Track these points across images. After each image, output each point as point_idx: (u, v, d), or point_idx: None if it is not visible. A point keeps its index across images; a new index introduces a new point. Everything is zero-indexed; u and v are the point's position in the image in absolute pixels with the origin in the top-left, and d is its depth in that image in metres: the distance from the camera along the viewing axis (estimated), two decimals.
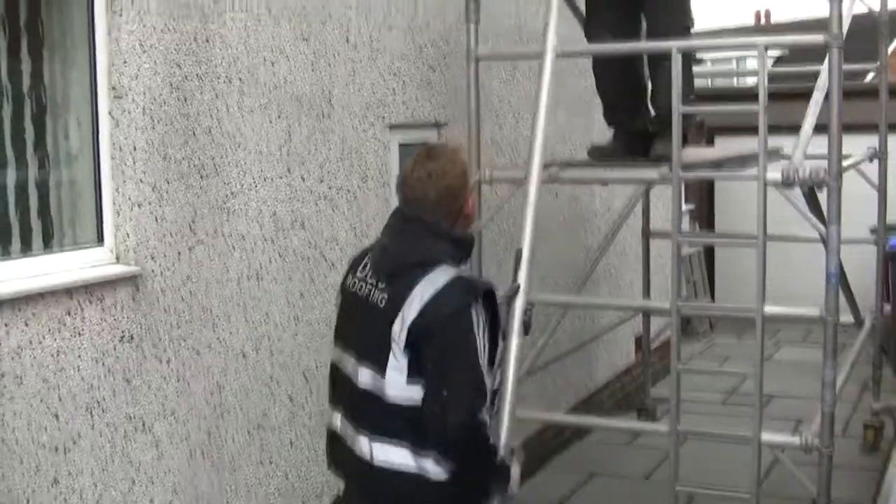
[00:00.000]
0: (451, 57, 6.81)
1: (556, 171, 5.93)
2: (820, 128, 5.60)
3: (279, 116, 5.29)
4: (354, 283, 3.76)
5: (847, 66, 5.72)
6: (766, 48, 5.44)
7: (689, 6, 6.26)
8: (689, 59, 6.06)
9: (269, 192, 5.22)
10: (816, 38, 5.42)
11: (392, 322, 3.49)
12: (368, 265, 3.73)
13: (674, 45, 5.49)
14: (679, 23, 6.12)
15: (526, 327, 4.41)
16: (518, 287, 4.51)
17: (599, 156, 6.51)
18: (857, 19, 6.99)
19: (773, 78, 9.14)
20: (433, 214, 3.64)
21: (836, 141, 5.39)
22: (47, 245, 4.30)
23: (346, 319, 3.83)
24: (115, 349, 4.32)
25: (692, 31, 6.25)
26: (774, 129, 5.49)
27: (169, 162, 4.60)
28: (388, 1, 6.18)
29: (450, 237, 3.66)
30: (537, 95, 5.41)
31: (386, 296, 3.57)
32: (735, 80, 19.96)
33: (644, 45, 6.25)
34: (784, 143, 6.64)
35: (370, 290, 3.64)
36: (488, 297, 3.57)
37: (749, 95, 5.38)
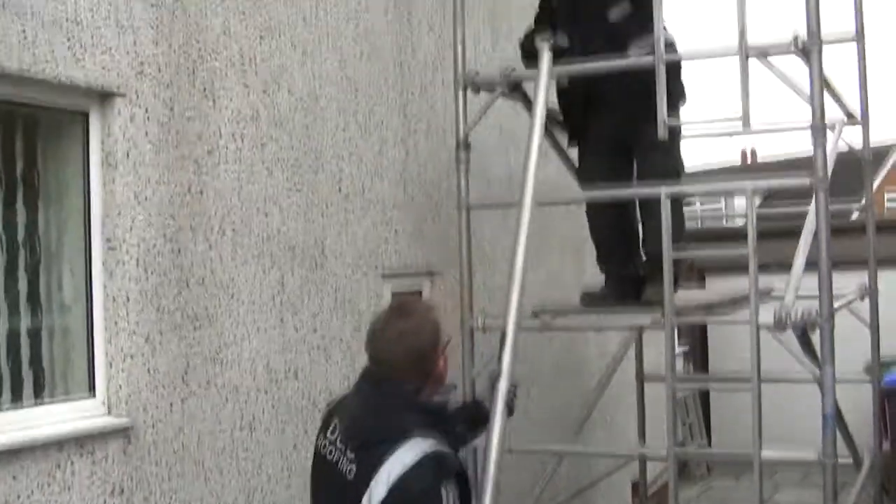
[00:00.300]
0: (442, 205, 6.89)
1: (548, 318, 5.93)
2: (811, 265, 5.62)
3: (272, 266, 5.31)
4: (325, 445, 3.63)
5: (834, 206, 5.78)
6: (754, 191, 5.51)
7: (679, 150, 6.33)
8: (678, 202, 6.11)
9: (262, 342, 5.20)
10: (802, 180, 5.48)
11: (360, 497, 3.38)
12: (338, 429, 3.61)
13: (663, 189, 5.54)
14: (669, 167, 6.17)
15: (510, 409, 4.42)
16: (501, 370, 4.51)
17: (591, 302, 6.51)
18: (840, 155, 7.11)
19: (761, 217, 9.23)
20: (403, 376, 3.55)
21: (826, 283, 5.40)
22: (38, 395, 4.26)
23: (316, 486, 3.71)
24: (105, 503, 4.24)
25: (682, 174, 6.30)
26: (765, 267, 5.52)
27: (162, 312, 4.60)
28: (380, 151, 6.28)
29: (421, 407, 3.57)
30: (514, 247, 5.43)
31: (354, 467, 3.46)
32: (724, 220, 20.19)
33: (631, 190, 6.29)
34: (775, 281, 6.66)
35: (339, 457, 3.53)
36: (459, 475, 3.49)
37: (738, 235, 5.42)
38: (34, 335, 4.29)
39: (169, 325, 4.64)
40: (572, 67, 5.99)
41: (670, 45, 6.00)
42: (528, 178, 5.58)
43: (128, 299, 4.44)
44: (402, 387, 3.54)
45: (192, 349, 4.76)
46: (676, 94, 6.25)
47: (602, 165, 6.40)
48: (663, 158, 6.10)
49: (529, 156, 5.66)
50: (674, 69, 6.03)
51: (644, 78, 5.64)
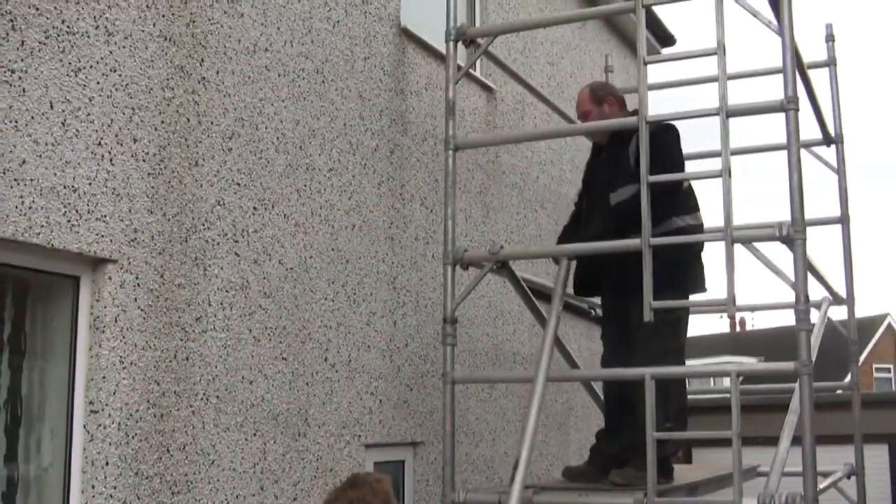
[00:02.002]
0: (427, 376, 6.93)
1: (530, 494, 5.89)
2: (797, 440, 5.61)
3: (255, 434, 5.32)
4: None
5: (819, 385, 5.81)
6: (738, 375, 5.55)
7: (679, 329, 6.37)
8: (667, 382, 6.13)
9: None
10: (787, 365, 5.53)
11: None
12: None
13: (647, 371, 5.59)
14: (666, 345, 6.25)
15: None
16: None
17: (571, 477, 6.53)
18: (829, 326, 7.20)
19: (748, 392, 9.28)
20: None
21: (810, 465, 5.36)
22: None
23: None
24: None
25: (673, 355, 6.31)
26: (751, 441, 5.53)
27: (141, 478, 4.59)
28: (367, 321, 6.35)
29: None
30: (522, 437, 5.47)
31: None
32: (713, 381, 20.11)
33: (616, 371, 6.30)
34: (761, 457, 6.65)
35: None
36: None
37: (724, 408, 5.44)
38: (9, 497, 4.26)
39: (147, 490, 4.62)
40: (567, 247, 6.24)
41: (680, 231, 6.15)
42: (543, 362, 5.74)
43: (107, 463, 4.44)
44: None
45: None
46: (689, 280, 6.34)
47: (610, 331, 6.58)
48: (654, 338, 6.17)
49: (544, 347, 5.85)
50: (690, 255, 6.18)
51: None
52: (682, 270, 6.24)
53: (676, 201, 6.23)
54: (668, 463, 6.39)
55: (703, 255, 6.51)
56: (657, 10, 10.22)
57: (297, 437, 5.64)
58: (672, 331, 6.32)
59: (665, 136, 6.19)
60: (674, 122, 6.27)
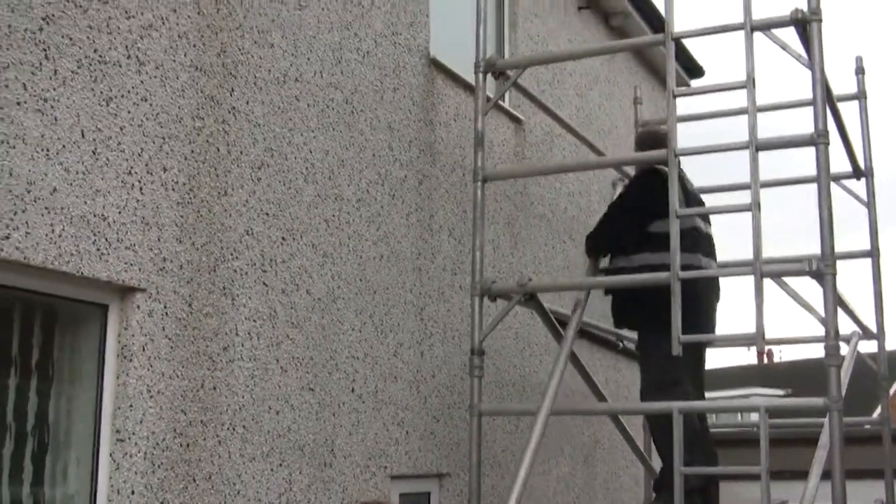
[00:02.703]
0: (454, 408, 6.90)
1: None
2: (826, 475, 5.54)
3: (281, 465, 5.30)
4: None
5: (849, 419, 5.73)
6: (766, 410, 5.50)
7: (671, 363, 6.14)
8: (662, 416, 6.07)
9: None
10: (816, 401, 5.47)
11: None
12: None
13: (675, 405, 5.55)
14: (654, 379, 6.30)
15: None
16: None
17: None
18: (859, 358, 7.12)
19: (776, 426, 9.20)
20: None
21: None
22: None
23: None
24: None
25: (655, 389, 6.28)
26: (778, 475, 5.46)
27: None
28: (395, 352, 6.34)
29: None
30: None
31: None
32: (740, 416, 19.97)
33: (643, 405, 6.29)
34: (789, 492, 6.57)
35: None
36: None
37: (752, 441, 5.39)
38: None
39: None
40: (594, 280, 6.28)
41: (638, 269, 6.26)
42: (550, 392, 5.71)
43: (132, 492, 4.43)
44: None
45: None
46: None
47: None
48: (644, 373, 6.40)
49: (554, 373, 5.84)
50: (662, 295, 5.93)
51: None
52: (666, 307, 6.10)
53: (650, 239, 6.36)
54: (694, 497, 6.30)
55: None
56: (686, 42, 10.20)
57: (323, 468, 5.62)
58: (662, 365, 6.23)
59: (637, 179, 6.72)
60: (657, 168, 6.46)
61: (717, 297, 6.71)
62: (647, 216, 6.39)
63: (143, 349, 4.55)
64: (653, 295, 5.95)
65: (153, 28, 4.76)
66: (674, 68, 5.99)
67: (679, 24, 6.01)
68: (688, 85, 11.83)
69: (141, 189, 4.59)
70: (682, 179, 6.44)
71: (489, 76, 6.70)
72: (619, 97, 10.51)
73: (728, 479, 12.77)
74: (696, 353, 6.53)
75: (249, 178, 5.28)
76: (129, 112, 4.57)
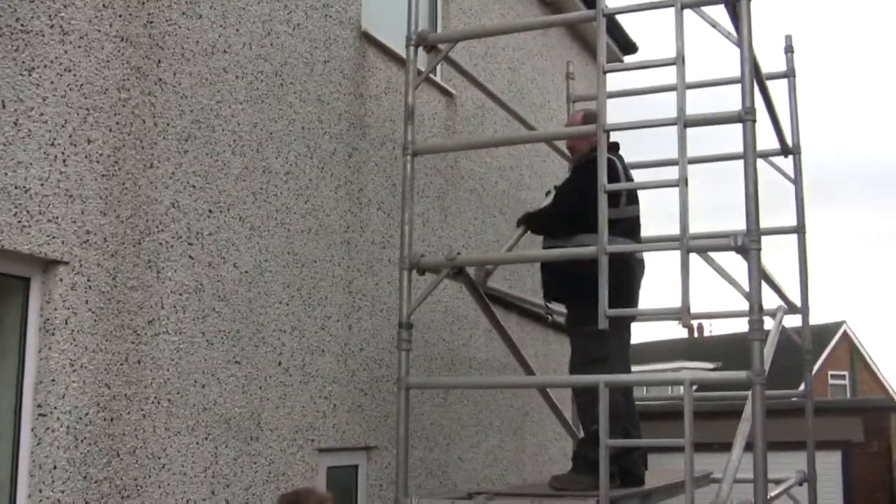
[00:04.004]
0: (382, 381, 6.91)
1: (483, 499, 5.90)
2: (750, 447, 5.64)
3: (206, 438, 5.28)
4: None
5: (773, 392, 5.83)
6: (691, 383, 5.58)
7: (602, 340, 6.17)
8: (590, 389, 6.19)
9: None
10: (740, 374, 5.56)
11: None
12: None
13: (601, 378, 5.60)
14: (585, 356, 6.40)
15: None
16: None
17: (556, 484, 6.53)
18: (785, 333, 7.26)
19: (702, 399, 9.36)
20: None
21: (761, 473, 5.40)
22: None
23: None
24: None
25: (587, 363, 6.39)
26: (704, 447, 5.54)
27: (89, 482, 4.54)
28: (322, 326, 6.33)
29: None
30: None
31: None
32: (670, 389, 20.27)
33: (572, 377, 6.35)
34: (714, 463, 6.68)
35: None
36: None
37: (679, 414, 5.46)
38: None
39: (96, 494, 4.57)
40: (525, 254, 6.27)
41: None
42: None
43: (55, 467, 4.39)
44: None
45: None
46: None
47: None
48: (576, 348, 6.60)
49: None
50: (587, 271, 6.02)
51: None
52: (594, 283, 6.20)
53: (589, 222, 6.34)
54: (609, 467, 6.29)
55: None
56: (619, 18, 10.25)
57: (250, 442, 5.61)
58: (591, 341, 6.33)
59: (578, 173, 6.67)
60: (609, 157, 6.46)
61: (642, 275, 6.79)
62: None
63: (66, 323, 4.50)
64: (584, 272, 5.99)
65: None
66: (605, 44, 6.02)
67: (612, 1, 6.04)
68: (621, 61, 11.90)
69: (64, 161, 4.53)
70: (620, 166, 6.48)
71: (420, 50, 6.68)
72: (551, 72, 10.54)
73: (656, 451, 12.97)
74: (626, 330, 6.60)
75: (176, 150, 5.23)
76: (52, 82, 4.49)
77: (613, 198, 6.07)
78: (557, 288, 6.65)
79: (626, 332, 6.72)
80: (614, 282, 5.70)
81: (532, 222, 6.95)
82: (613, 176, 6.12)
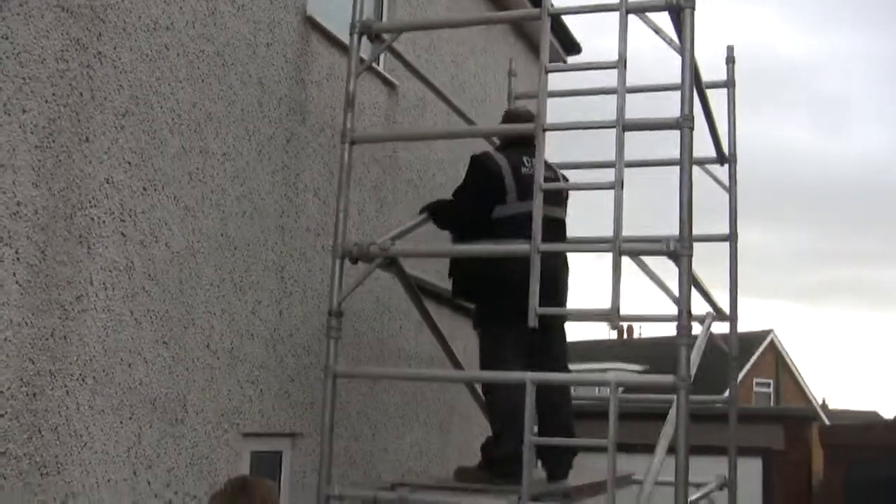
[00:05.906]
0: (310, 368, 6.89)
1: (406, 491, 5.90)
2: (673, 450, 5.71)
3: (130, 418, 5.23)
4: None
5: (698, 398, 5.89)
6: (617, 385, 5.62)
7: (499, 343, 6.49)
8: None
9: (111, 494, 5.07)
10: (666, 378, 5.61)
11: None
12: None
13: (528, 375, 5.63)
14: (486, 358, 6.61)
15: None
16: None
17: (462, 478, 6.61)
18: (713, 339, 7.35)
19: (629, 400, 9.45)
20: None
21: (682, 478, 5.46)
22: None
23: None
24: None
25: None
26: (628, 447, 5.58)
27: (9, 458, 4.47)
28: (253, 310, 6.29)
29: None
30: None
31: None
32: (597, 390, 20.44)
33: (499, 373, 6.36)
34: (637, 465, 6.75)
35: None
36: None
37: (603, 413, 5.50)
38: None
39: (15, 471, 4.51)
40: (456, 248, 6.34)
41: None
42: None
43: None
44: None
45: (36, 497, 4.62)
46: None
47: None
48: (481, 349, 6.70)
49: None
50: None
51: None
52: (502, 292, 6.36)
53: (492, 225, 6.48)
54: (505, 465, 6.29)
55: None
56: (564, 18, 10.30)
57: (174, 423, 5.56)
58: (489, 344, 6.56)
59: (471, 166, 6.80)
60: (487, 153, 6.77)
61: (565, 275, 6.83)
62: (489, 201, 6.47)
63: None
64: (492, 277, 6.29)
65: None
66: (548, 43, 6.04)
67: (559, 0, 6.07)
68: (564, 61, 11.96)
69: None
70: (521, 166, 6.51)
71: (364, 38, 6.66)
72: (494, 68, 10.57)
73: (582, 450, 13.09)
74: (540, 334, 6.38)
75: (112, 125, 5.16)
76: None
77: (499, 193, 6.43)
78: (465, 288, 6.73)
79: (550, 334, 6.60)
80: (510, 279, 5.91)
81: (437, 217, 7.02)
82: (493, 174, 6.48)
